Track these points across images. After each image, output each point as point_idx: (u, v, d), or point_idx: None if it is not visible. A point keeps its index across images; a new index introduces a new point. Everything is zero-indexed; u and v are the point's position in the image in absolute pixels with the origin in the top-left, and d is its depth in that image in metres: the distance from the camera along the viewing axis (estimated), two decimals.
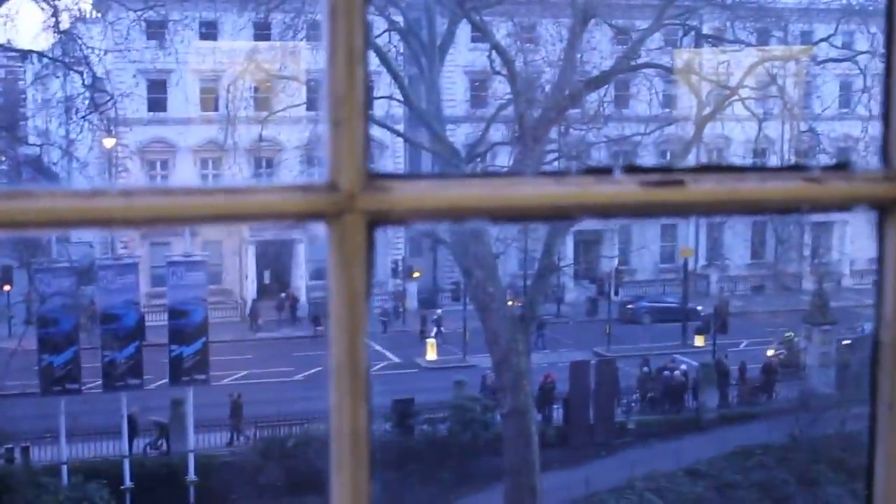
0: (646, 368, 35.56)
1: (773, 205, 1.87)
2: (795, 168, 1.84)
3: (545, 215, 1.65)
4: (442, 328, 41.67)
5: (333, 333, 1.59)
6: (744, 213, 1.87)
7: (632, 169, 1.68)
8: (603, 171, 1.65)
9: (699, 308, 44.30)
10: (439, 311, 44.60)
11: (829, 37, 32.36)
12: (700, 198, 1.71)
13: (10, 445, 28.12)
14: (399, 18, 28.97)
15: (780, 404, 33.61)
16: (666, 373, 35.66)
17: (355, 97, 1.47)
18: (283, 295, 47.86)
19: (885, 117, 1.81)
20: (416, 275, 47.68)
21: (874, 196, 1.87)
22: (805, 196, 1.82)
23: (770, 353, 38.26)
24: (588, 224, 42.63)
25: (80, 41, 29.69)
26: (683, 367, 36.60)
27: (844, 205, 1.91)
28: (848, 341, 34.92)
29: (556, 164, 30.29)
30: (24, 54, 30.85)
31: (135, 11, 33.72)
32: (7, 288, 42.16)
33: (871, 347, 2.00)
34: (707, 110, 30.57)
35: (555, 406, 32.82)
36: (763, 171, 1.86)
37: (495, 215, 1.64)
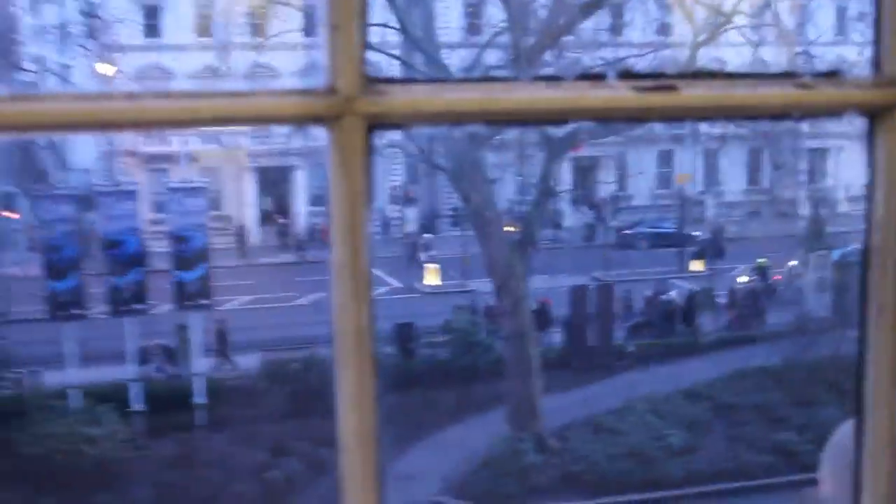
0: (647, 293, 35.65)
1: (765, 110, 1.88)
2: (787, 75, 1.85)
3: (539, 119, 1.65)
4: (432, 252, 41.65)
5: (335, 235, 1.61)
6: (735, 117, 1.88)
7: (626, 75, 1.69)
8: (597, 77, 1.67)
9: (696, 234, 44.34)
10: (426, 235, 44.62)
11: None
12: (693, 102, 1.72)
13: (20, 370, 28.27)
14: None
15: (777, 326, 33.68)
16: (663, 297, 35.78)
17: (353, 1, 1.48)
18: (284, 220, 47.86)
19: (877, 24, 1.82)
20: (411, 195, 47.59)
21: (864, 102, 1.88)
22: (796, 102, 1.83)
23: (741, 279, 38.37)
24: (585, 150, 42.83)
25: None
26: (675, 291, 36.70)
27: (834, 111, 1.92)
28: (842, 261, 34.86)
29: None
30: None
31: None
32: (9, 214, 42.17)
33: (862, 252, 2.02)
34: (702, 37, 30.48)
35: (554, 330, 32.86)
36: (755, 76, 1.87)
37: (490, 118, 1.65)
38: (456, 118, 1.68)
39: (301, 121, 1.59)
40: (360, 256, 1.60)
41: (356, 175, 1.57)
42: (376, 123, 1.58)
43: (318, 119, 1.57)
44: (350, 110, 1.55)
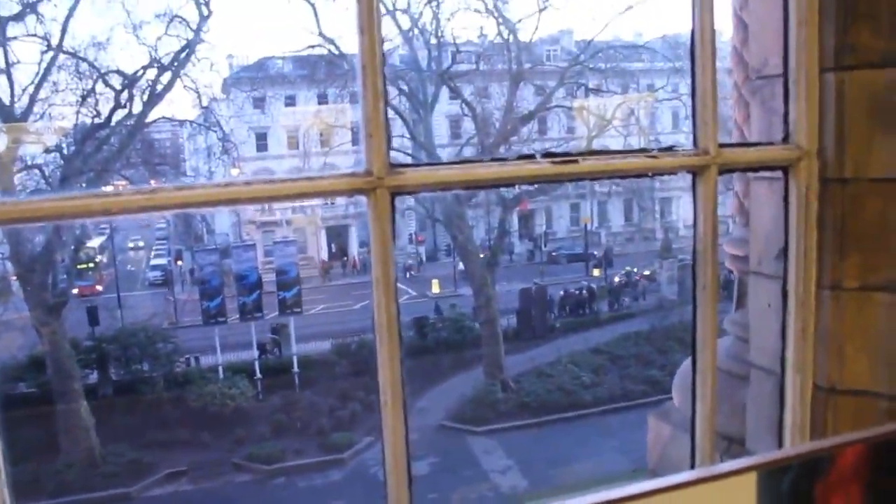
0: (563, 291, 35.48)
1: (631, 172, 1.93)
2: (643, 150, 1.89)
3: (497, 184, 1.70)
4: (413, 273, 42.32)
5: (374, 262, 1.64)
6: (614, 177, 1.91)
7: (547, 155, 1.73)
8: (529, 157, 1.70)
9: (595, 252, 44.17)
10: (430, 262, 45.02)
11: (663, 86, 32.45)
12: (588, 169, 1.76)
13: (188, 356, 28.19)
14: (405, 87, 28.85)
15: (646, 307, 33.61)
16: (575, 291, 35.67)
17: (380, 118, 1.51)
18: (344, 258, 47.72)
19: (693, 115, 1.86)
20: (420, 239, 47.34)
21: (689, 165, 1.92)
22: (649, 166, 1.87)
23: (616, 278, 38.27)
24: (528, 206, 43.07)
25: (214, 112, 29.54)
26: (584, 288, 36.65)
27: (672, 171, 1.96)
28: (682, 265, 34.80)
29: None
30: (181, 122, 30.53)
31: (245, 92, 33.67)
32: (180, 263, 42.21)
33: (693, 256, 2.05)
34: (594, 133, 30.57)
35: (511, 316, 32.64)
36: (624, 152, 1.91)
37: (467, 186, 1.69)
38: (446, 186, 1.73)
39: (350, 193, 1.63)
40: (389, 274, 1.63)
41: (386, 227, 1.61)
42: (397, 193, 1.61)
43: (360, 191, 1.60)
44: (381, 185, 1.58)
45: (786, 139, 2.02)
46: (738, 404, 2.52)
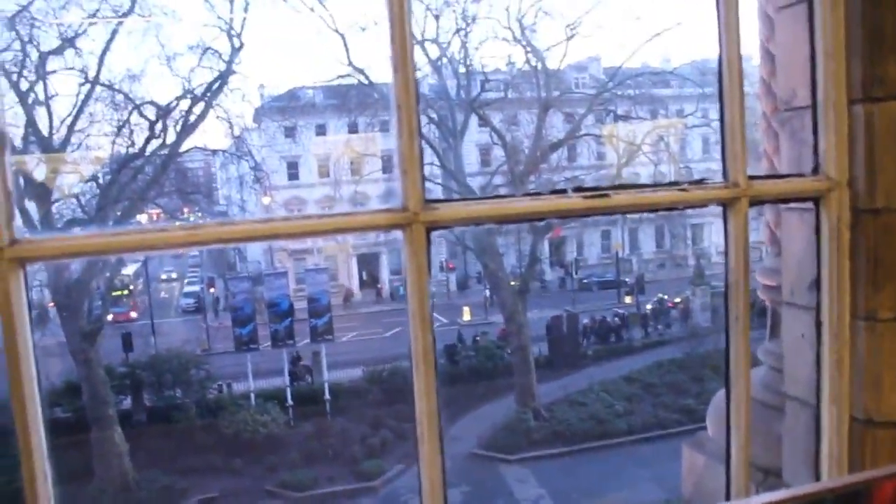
0: (595, 318, 35.25)
1: (662, 205, 1.94)
2: (673, 183, 1.91)
3: (528, 218, 1.73)
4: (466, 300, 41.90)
5: (410, 295, 1.67)
6: (644, 211, 1.93)
7: (578, 189, 1.75)
8: (561, 192, 1.73)
9: (627, 280, 43.89)
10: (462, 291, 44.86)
11: (693, 112, 32.33)
12: (619, 203, 1.78)
13: (220, 382, 28.34)
14: (434, 115, 29.04)
15: (679, 334, 33.26)
16: (607, 319, 35.43)
17: (415, 155, 1.55)
18: (376, 285, 47.88)
19: (722, 150, 1.88)
20: (451, 266, 47.37)
21: (719, 197, 1.94)
22: (680, 199, 1.89)
23: (648, 306, 37.97)
24: (560, 234, 43.08)
25: (245, 141, 29.94)
26: (619, 315, 36.39)
27: (703, 204, 1.97)
28: (714, 292, 34.41)
29: None
30: (214, 151, 30.97)
31: (277, 122, 34.13)
32: (212, 290, 42.61)
33: (724, 288, 2.06)
34: (623, 160, 30.49)
35: (542, 343, 32.47)
36: (655, 186, 1.93)
37: (499, 220, 1.72)
38: (479, 221, 1.76)
39: (387, 228, 1.67)
40: (425, 307, 1.66)
41: (422, 260, 1.64)
42: (433, 227, 1.65)
43: (398, 226, 1.64)
44: (416, 220, 1.62)
45: (816, 170, 2.03)
46: (774, 435, 2.50)
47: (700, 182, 1.88)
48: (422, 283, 1.59)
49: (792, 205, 2.19)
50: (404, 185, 1.57)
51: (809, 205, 2.07)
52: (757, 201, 1.96)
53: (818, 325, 2.08)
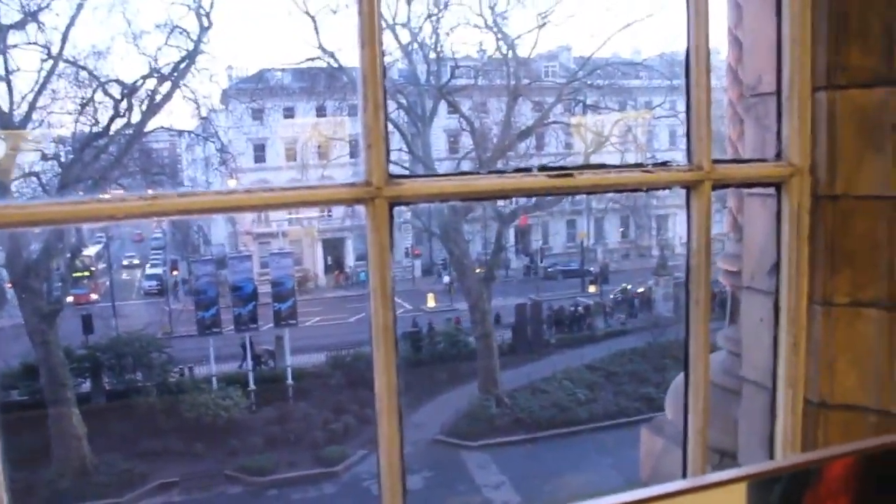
0: (558, 307, 35.46)
1: (626, 186, 1.95)
2: (638, 165, 1.91)
3: (493, 196, 1.73)
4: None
5: (371, 271, 1.66)
6: (609, 191, 1.94)
7: (543, 168, 1.75)
8: (526, 170, 1.73)
9: (591, 269, 44.19)
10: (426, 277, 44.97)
11: (661, 104, 32.58)
12: (583, 183, 1.78)
13: (182, 366, 28.11)
14: (403, 101, 28.92)
15: (641, 323, 33.59)
16: (571, 308, 35.67)
17: (379, 129, 1.54)
18: (338, 270, 47.71)
19: (688, 132, 1.89)
20: (417, 253, 47.32)
21: (683, 180, 1.95)
22: (644, 181, 1.90)
23: (611, 295, 38.32)
24: (527, 222, 43.20)
25: (212, 123, 29.56)
26: (583, 304, 36.68)
27: (666, 186, 1.98)
28: (677, 282, 34.76)
29: None
30: (179, 132, 30.53)
31: (244, 103, 33.74)
32: (175, 273, 42.14)
33: (686, 271, 2.08)
34: (591, 149, 30.65)
35: (506, 330, 32.61)
36: (620, 167, 1.93)
37: (464, 198, 1.71)
38: (444, 198, 1.75)
39: (350, 202, 1.65)
40: (386, 283, 1.65)
41: (384, 236, 1.63)
42: (396, 203, 1.64)
43: (360, 200, 1.63)
44: (379, 195, 1.61)
45: (779, 156, 2.05)
46: (731, 419, 2.54)
47: (664, 164, 1.89)
48: (383, 258, 1.58)
49: (754, 190, 2.22)
50: (368, 160, 1.56)
51: (771, 190, 2.09)
52: (720, 185, 1.98)
53: (776, 309, 2.11)
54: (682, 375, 2.37)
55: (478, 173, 1.68)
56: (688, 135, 1.91)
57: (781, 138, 2.04)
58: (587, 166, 1.78)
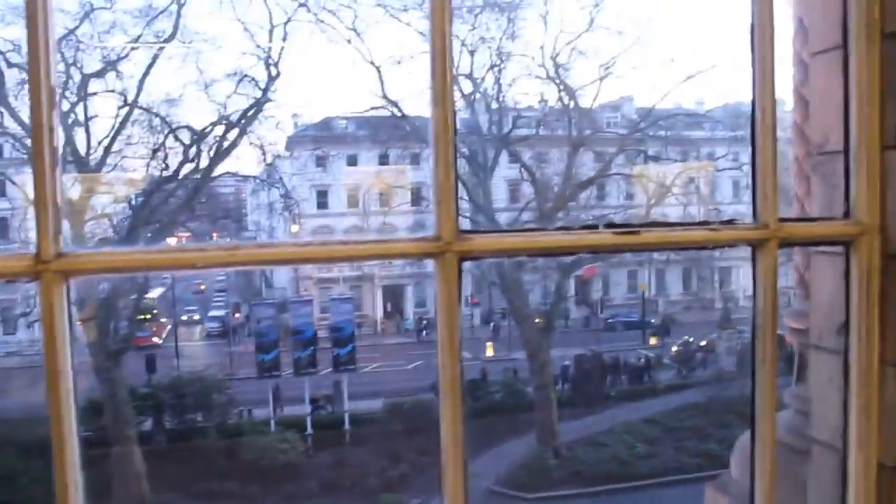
0: (619, 359, 34.85)
1: (691, 244, 1.95)
2: (703, 223, 1.92)
3: (559, 252, 1.75)
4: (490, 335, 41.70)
5: (440, 324, 1.69)
6: (674, 249, 1.95)
7: (609, 225, 1.78)
8: (592, 227, 1.75)
9: (652, 321, 43.52)
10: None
11: (724, 155, 32.25)
12: (649, 240, 1.80)
13: (241, 408, 28.40)
14: (465, 150, 29.22)
15: (703, 377, 32.81)
16: (632, 360, 35.08)
17: (450, 186, 1.58)
18: (398, 316, 47.83)
19: (753, 192, 1.89)
20: (475, 301, 47.14)
21: (749, 238, 1.94)
22: (709, 239, 1.90)
23: (673, 348, 37.53)
24: (585, 272, 42.87)
25: (277, 169, 30.29)
26: (643, 356, 36.03)
27: (732, 244, 1.98)
28: (741, 336, 33.95)
29: None
30: (245, 177, 31.36)
31: (309, 150, 34.56)
32: (237, 315, 42.82)
33: (751, 329, 2.06)
34: (653, 200, 30.42)
35: (566, 382, 32.19)
36: (685, 224, 1.94)
37: (532, 253, 1.74)
38: (512, 253, 1.78)
39: (420, 256, 1.69)
40: (454, 337, 1.68)
41: (453, 290, 1.66)
42: (465, 258, 1.67)
43: (430, 255, 1.67)
44: (449, 249, 1.64)
45: (847, 214, 2.03)
46: (799, 480, 2.49)
47: (730, 222, 1.89)
48: (452, 312, 1.61)
49: (822, 248, 2.20)
50: (438, 215, 1.60)
51: (839, 248, 2.07)
52: (786, 243, 1.97)
53: (846, 369, 2.08)
54: (747, 434, 2.34)
55: (545, 229, 1.71)
56: (753, 192, 1.92)
57: (850, 197, 2.02)
58: (653, 224, 1.79)
